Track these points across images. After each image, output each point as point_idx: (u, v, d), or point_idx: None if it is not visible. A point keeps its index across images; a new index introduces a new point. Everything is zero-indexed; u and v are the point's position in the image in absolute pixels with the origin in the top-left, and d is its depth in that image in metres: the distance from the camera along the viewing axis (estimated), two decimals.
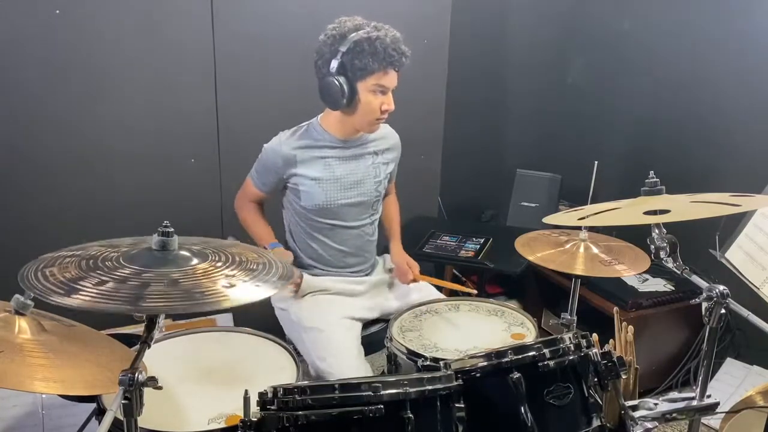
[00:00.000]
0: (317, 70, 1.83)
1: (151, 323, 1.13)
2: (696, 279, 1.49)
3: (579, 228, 1.75)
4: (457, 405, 1.24)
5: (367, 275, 2.07)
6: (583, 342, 1.37)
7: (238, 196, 2.07)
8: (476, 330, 1.80)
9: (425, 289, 2.07)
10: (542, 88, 3.47)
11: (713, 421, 2.24)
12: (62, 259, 1.16)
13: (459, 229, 2.81)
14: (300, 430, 1.16)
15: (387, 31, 1.78)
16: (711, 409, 1.53)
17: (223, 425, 1.33)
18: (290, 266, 1.31)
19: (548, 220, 1.58)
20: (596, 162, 1.89)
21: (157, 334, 1.14)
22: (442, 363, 1.35)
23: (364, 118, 1.85)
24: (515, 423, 1.27)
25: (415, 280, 2.02)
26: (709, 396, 1.52)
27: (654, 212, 1.43)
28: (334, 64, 1.77)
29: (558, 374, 1.31)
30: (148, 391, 1.09)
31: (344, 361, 1.78)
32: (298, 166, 1.89)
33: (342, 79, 1.77)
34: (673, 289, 2.60)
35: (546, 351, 1.31)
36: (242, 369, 1.58)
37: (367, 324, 2.00)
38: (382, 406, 1.16)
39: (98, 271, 1.11)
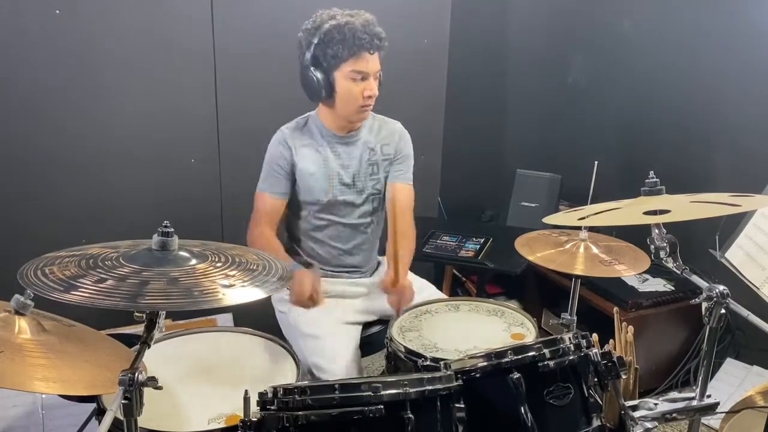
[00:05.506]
0: (299, 65, 1.83)
1: (150, 323, 1.13)
2: (696, 279, 1.49)
3: (579, 228, 1.75)
4: (457, 405, 1.24)
5: (367, 277, 2.06)
6: (583, 342, 1.37)
7: (250, 226, 1.92)
8: (476, 330, 1.79)
9: (425, 290, 2.07)
10: (542, 88, 3.46)
11: (713, 421, 2.24)
12: (62, 259, 1.16)
13: (459, 229, 2.80)
14: (300, 431, 1.16)
15: (359, 16, 1.77)
16: (711, 409, 1.53)
17: (223, 425, 1.33)
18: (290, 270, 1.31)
19: (548, 220, 1.58)
20: (596, 162, 1.89)
21: (157, 334, 1.14)
22: (442, 363, 1.34)
23: (347, 107, 1.84)
24: (515, 423, 1.26)
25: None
26: (709, 396, 1.52)
27: (654, 212, 1.42)
28: (308, 56, 1.78)
29: (558, 374, 1.31)
30: (148, 391, 1.09)
31: (338, 369, 1.76)
32: (297, 155, 1.89)
33: (317, 71, 1.78)
34: (673, 289, 2.60)
35: (546, 351, 1.31)
36: (242, 369, 1.58)
37: (367, 324, 1.99)
38: (382, 407, 1.16)
39: (98, 270, 1.11)
